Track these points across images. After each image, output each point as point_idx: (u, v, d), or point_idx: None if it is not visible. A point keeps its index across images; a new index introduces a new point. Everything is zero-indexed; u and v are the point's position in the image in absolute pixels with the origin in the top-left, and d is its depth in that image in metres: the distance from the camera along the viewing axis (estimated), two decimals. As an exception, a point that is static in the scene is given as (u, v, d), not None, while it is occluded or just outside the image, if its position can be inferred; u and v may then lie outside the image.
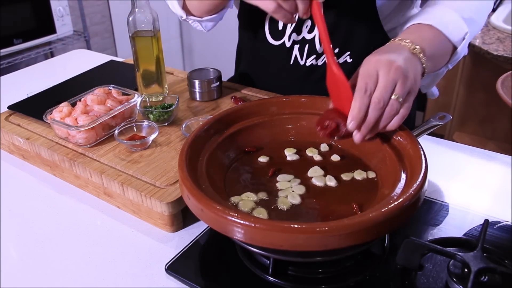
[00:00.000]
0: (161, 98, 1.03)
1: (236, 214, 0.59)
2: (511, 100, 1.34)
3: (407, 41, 0.76)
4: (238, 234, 0.59)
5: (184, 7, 1.04)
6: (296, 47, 1.02)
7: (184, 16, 1.05)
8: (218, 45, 3.04)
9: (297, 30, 1.00)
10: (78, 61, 1.52)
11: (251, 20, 1.07)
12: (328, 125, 0.74)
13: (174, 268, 0.70)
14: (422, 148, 0.70)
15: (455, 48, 0.85)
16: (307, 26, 0.99)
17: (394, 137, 0.75)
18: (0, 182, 0.93)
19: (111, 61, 1.34)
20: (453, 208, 0.79)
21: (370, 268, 0.67)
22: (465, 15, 0.84)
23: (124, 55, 2.26)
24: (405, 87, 0.69)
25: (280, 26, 1.01)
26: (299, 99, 0.85)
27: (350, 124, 0.70)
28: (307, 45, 1.01)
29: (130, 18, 1.00)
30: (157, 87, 1.07)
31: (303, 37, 1.00)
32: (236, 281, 0.68)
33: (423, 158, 0.67)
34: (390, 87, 0.69)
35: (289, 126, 0.84)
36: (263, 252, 0.65)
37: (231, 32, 1.58)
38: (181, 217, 0.78)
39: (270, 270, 0.67)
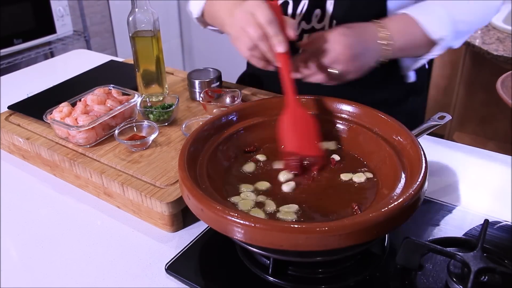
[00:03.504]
0: (161, 98, 1.03)
1: (236, 214, 0.59)
2: (511, 100, 1.34)
3: (380, 28, 0.86)
4: (238, 234, 0.59)
5: (204, 20, 1.06)
6: (305, 36, 1.00)
7: (202, 27, 1.08)
8: (218, 45, 3.04)
9: (307, 19, 0.99)
10: (78, 61, 1.52)
11: None
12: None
13: (174, 268, 0.70)
14: (422, 148, 0.70)
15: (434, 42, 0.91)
16: (317, 15, 0.98)
17: (394, 137, 0.75)
18: (0, 182, 0.93)
19: (111, 61, 1.34)
20: (453, 208, 0.79)
21: (370, 268, 0.67)
22: (456, 16, 0.90)
23: (124, 55, 2.25)
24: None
25: (289, 14, 1.00)
26: (299, 99, 0.85)
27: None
28: None
29: (130, 18, 1.00)
30: (157, 87, 1.07)
31: (312, 27, 0.99)
32: (236, 281, 0.68)
33: (423, 158, 0.67)
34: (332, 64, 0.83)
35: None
36: (263, 252, 0.65)
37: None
38: (181, 217, 0.78)
39: (270, 270, 0.67)
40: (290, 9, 1.00)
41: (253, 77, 1.19)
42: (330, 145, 0.82)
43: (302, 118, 0.79)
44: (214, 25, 1.04)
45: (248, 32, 0.78)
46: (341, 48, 0.82)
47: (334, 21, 0.97)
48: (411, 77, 1.05)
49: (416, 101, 1.13)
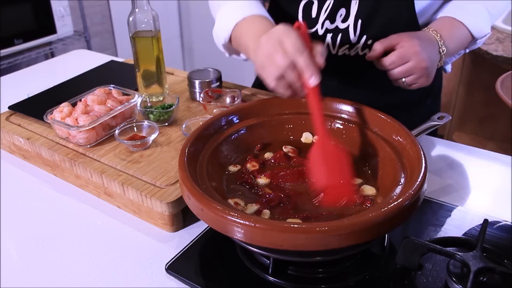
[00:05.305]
0: (161, 98, 1.04)
1: (236, 214, 0.59)
2: (511, 100, 1.34)
3: (438, 36, 0.88)
4: (238, 234, 0.60)
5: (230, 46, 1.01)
6: (329, 36, 0.99)
7: (227, 55, 1.04)
8: (218, 45, 3.04)
9: (331, 18, 0.97)
10: (79, 61, 1.52)
11: (285, 11, 1.03)
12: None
13: (174, 268, 0.70)
14: (422, 148, 0.70)
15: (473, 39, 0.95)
16: (341, 15, 0.96)
17: (394, 137, 0.75)
18: (1, 182, 0.93)
19: (111, 61, 1.34)
20: (453, 208, 0.79)
21: (370, 268, 0.68)
22: (490, 10, 0.94)
23: (124, 55, 2.26)
24: (413, 79, 0.86)
25: (314, 14, 0.98)
26: (299, 99, 0.85)
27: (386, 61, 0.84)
28: (340, 35, 0.98)
29: (131, 18, 1.00)
30: (157, 87, 1.07)
31: (336, 26, 0.97)
32: (236, 281, 0.68)
33: (423, 158, 0.68)
34: (407, 75, 0.85)
35: (289, 126, 0.85)
36: (263, 252, 0.65)
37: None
38: (181, 217, 0.78)
39: (270, 270, 0.67)
40: (315, 9, 0.97)
41: None
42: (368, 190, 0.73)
43: (333, 153, 0.74)
44: (239, 50, 0.99)
45: (275, 61, 0.73)
46: (417, 61, 0.84)
47: (360, 21, 0.95)
48: (448, 69, 1.06)
49: (434, 102, 1.13)
